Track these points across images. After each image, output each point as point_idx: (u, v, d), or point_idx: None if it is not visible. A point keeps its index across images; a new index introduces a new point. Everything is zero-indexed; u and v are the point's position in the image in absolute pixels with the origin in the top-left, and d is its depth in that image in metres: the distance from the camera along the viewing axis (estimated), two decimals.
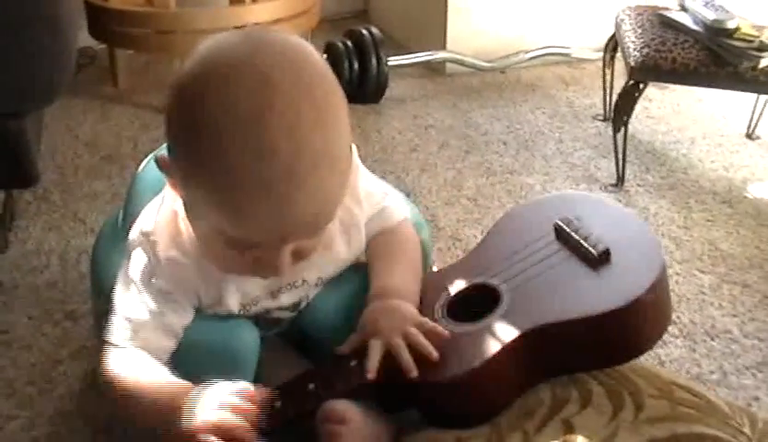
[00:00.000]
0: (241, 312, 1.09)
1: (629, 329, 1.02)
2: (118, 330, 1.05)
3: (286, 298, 1.11)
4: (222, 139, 0.87)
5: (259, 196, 0.87)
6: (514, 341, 1.00)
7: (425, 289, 1.13)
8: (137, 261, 1.06)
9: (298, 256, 0.98)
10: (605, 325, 1.01)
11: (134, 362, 1.03)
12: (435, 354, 1.01)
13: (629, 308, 1.00)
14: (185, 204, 1.00)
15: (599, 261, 1.08)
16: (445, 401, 1.01)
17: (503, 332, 1.01)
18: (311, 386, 1.03)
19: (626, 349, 1.04)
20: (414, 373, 0.99)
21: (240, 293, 1.07)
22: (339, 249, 1.12)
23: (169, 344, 1.06)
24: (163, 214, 1.07)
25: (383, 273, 1.13)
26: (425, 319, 1.05)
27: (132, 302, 1.05)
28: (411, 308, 1.07)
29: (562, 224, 1.14)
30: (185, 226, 1.04)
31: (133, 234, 1.09)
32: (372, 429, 1.01)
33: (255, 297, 1.09)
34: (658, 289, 1.04)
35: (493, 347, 1.00)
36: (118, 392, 1.02)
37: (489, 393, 1.01)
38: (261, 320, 1.12)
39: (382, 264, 1.14)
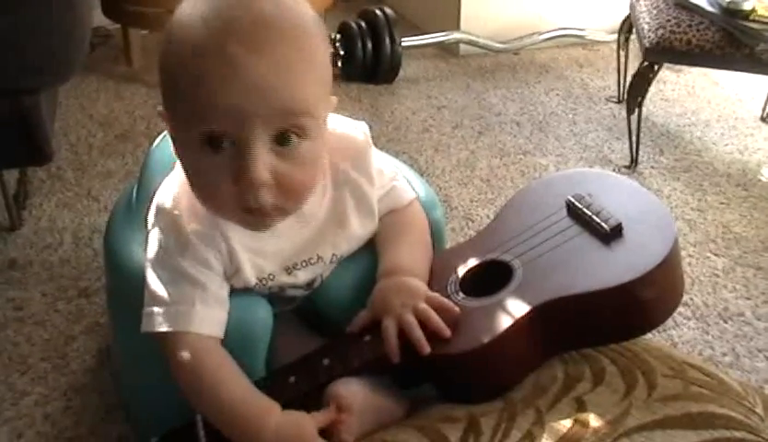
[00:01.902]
0: (257, 287, 1.08)
1: (641, 302, 1.02)
2: (170, 316, 1.02)
3: (302, 275, 1.11)
4: (188, 29, 0.94)
5: (218, 63, 0.91)
6: (526, 314, 1.00)
7: (437, 267, 1.13)
8: (165, 240, 1.05)
9: (280, 182, 0.97)
10: (617, 298, 1.00)
11: (214, 360, 1.02)
12: (446, 330, 1.01)
13: (641, 280, 1.00)
14: (173, 137, 1.02)
15: (611, 235, 1.07)
16: (458, 374, 1.01)
17: (515, 306, 1.01)
18: (326, 361, 1.03)
19: (639, 323, 1.04)
20: (427, 349, 0.99)
21: (256, 269, 1.07)
22: (353, 226, 1.12)
23: (224, 315, 1.04)
24: (179, 188, 1.07)
25: (391, 251, 1.13)
26: (436, 295, 1.05)
27: (174, 283, 1.03)
28: (420, 284, 1.07)
29: (573, 200, 1.13)
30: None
31: (153, 213, 1.08)
32: (383, 404, 1.01)
33: (270, 273, 1.09)
34: (671, 262, 1.03)
35: (505, 321, 1.00)
36: (197, 390, 1.01)
37: (501, 367, 1.01)
38: (275, 298, 1.12)
39: (390, 243, 1.14)
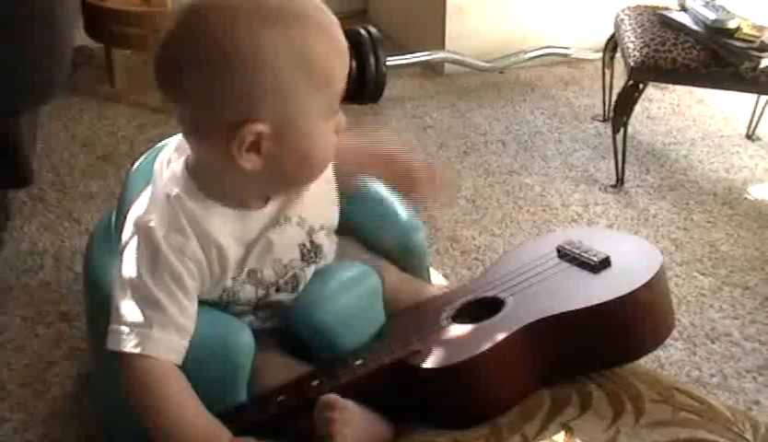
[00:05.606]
0: (239, 276, 1.08)
1: (629, 322, 1.05)
2: (128, 336, 1.00)
3: (277, 239, 1.11)
4: (264, 29, 0.99)
5: (318, 24, 1.05)
6: (516, 331, 1.01)
7: (429, 307, 1.16)
8: (136, 254, 1.03)
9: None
10: (606, 316, 1.03)
11: (167, 384, 1.01)
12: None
13: (630, 297, 1.03)
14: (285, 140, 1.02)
15: (600, 266, 1.11)
16: (446, 391, 1.02)
17: (505, 326, 1.03)
18: (315, 382, 1.04)
19: (627, 346, 1.06)
20: None
21: (239, 231, 1.07)
22: (312, 188, 1.13)
23: (182, 342, 1.02)
24: (155, 200, 1.06)
25: None
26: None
27: (136, 303, 1.02)
28: None
29: (563, 244, 1.18)
30: (180, 207, 1.04)
31: (128, 228, 1.07)
32: (372, 424, 1.02)
33: (252, 239, 1.08)
34: (657, 285, 1.07)
35: (495, 337, 1.01)
36: (147, 411, 1.01)
37: (489, 385, 1.02)
38: (262, 305, 1.11)
39: None
